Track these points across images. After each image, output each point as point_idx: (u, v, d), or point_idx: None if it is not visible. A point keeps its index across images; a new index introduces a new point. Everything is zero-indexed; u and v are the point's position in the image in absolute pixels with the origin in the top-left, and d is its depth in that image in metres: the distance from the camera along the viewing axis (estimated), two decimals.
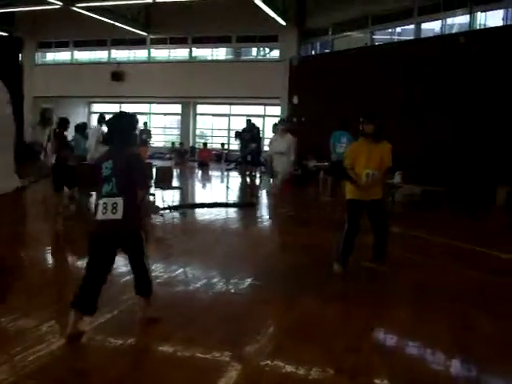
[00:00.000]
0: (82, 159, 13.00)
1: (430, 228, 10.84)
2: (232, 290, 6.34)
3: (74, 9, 20.90)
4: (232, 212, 13.04)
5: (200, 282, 6.61)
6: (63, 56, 29.93)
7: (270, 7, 19.62)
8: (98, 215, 4.64)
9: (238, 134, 21.95)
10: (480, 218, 12.43)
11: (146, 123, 25.09)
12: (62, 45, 29.12)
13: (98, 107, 31.38)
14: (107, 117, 6.32)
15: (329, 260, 7.35)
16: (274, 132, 20.03)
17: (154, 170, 12.30)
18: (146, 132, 24.13)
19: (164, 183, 12.11)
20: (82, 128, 13.85)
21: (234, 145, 25.19)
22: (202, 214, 12.21)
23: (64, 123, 11.08)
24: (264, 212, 13.37)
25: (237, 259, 8.01)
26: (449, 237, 9.87)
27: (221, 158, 27.20)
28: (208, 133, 29.90)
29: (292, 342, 4.78)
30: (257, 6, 19.19)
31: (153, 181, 12.05)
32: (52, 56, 30.56)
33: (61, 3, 20.06)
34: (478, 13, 16.99)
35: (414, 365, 4.48)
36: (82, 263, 5.97)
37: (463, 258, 8.53)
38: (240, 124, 22.92)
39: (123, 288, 5.83)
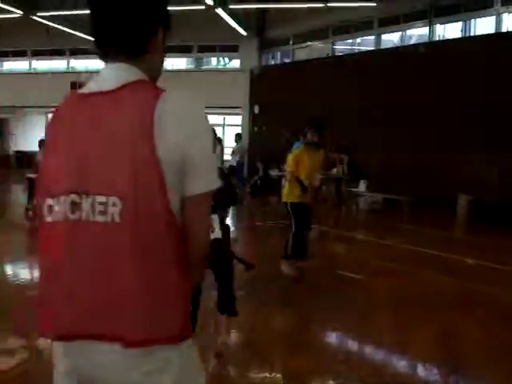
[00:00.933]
0: None
1: (397, 236, 11.06)
2: (213, 300, 6.38)
3: (34, 18, 20.64)
4: None
5: None
6: (21, 65, 29.46)
7: (231, 17, 19.70)
8: None
9: None
10: (442, 226, 12.68)
11: None
12: (19, 54, 28.68)
13: None
14: None
15: (304, 269, 7.49)
16: (236, 142, 20.24)
17: None
18: None
19: None
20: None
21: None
22: None
23: None
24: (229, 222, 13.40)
25: None
26: (416, 244, 10.10)
27: None
28: None
29: (275, 352, 4.85)
30: (218, 16, 19.26)
31: None
32: (9, 65, 30.05)
33: (21, 12, 19.78)
34: (438, 25, 17.39)
35: (405, 374, 4.60)
36: None
37: (433, 264, 8.73)
38: None
39: None
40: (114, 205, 1.51)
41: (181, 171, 1.55)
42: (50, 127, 1.71)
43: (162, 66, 1.84)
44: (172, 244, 1.57)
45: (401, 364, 4.74)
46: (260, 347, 4.96)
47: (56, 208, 1.58)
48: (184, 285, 1.63)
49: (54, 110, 1.73)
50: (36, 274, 7.57)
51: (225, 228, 4.71)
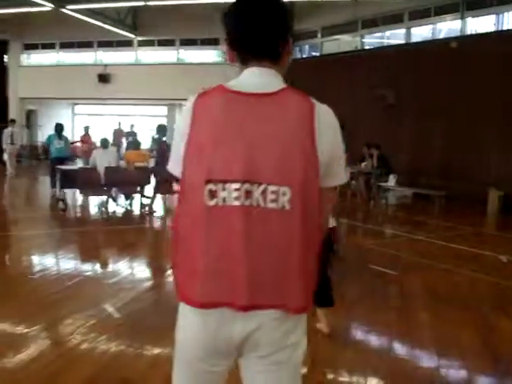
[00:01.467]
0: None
1: (428, 231, 11.01)
2: None
3: (63, 11, 20.80)
4: None
5: None
6: (49, 57, 29.71)
7: None
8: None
9: None
10: (473, 221, 12.60)
11: (132, 125, 25.02)
12: (47, 46, 28.92)
13: (81, 109, 31.27)
14: None
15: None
16: None
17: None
18: (133, 134, 24.09)
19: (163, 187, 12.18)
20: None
21: None
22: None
23: None
24: None
25: None
26: (447, 239, 10.05)
27: None
28: None
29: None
30: None
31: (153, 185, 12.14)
32: (38, 57, 30.32)
33: (52, 5, 19.94)
34: (469, 18, 17.21)
35: (447, 373, 4.60)
36: None
37: (467, 260, 8.68)
38: None
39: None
40: (284, 194, 1.77)
41: (326, 170, 1.86)
42: (198, 115, 1.87)
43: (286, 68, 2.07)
44: (318, 225, 1.91)
45: (443, 363, 4.72)
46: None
47: (222, 194, 1.78)
48: (318, 260, 1.94)
49: (195, 100, 1.90)
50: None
51: None
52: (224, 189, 1.77)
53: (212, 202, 1.78)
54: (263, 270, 1.80)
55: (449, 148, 16.09)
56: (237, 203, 1.77)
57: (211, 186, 1.78)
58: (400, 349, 5.02)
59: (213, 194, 1.78)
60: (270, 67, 1.94)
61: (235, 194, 1.77)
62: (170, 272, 7.12)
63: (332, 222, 4.80)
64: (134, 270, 7.72)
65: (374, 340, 5.25)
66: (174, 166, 1.95)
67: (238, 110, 1.84)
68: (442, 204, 14.05)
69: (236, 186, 1.76)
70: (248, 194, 1.77)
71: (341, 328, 5.37)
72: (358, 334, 5.36)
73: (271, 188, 1.77)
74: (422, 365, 4.66)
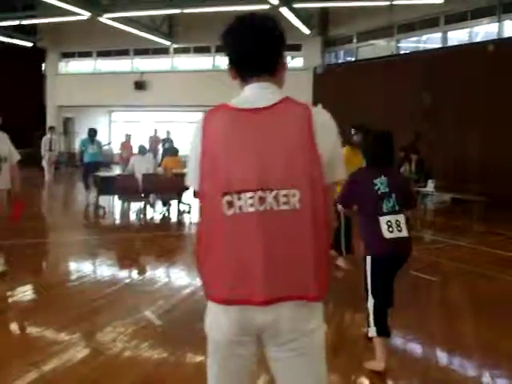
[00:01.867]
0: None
1: (469, 236, 10.85)
2: None
3: (99, 19, 21.03)
4: None
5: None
6: (86, 65, 30.09)
7: (294, 15, 19.67)
8: (385, 234, 4.45)
9: None
10: None
11: (168, 132, 25.18)
12: (84, 55, 29.29)
13: (118, 116, 31.55)
14: None
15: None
16: None
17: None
18: (169, 141, 24.23)
19: None
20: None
21: None
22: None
23: None
24: None
25: None
26: (489, 245, 9.89)
27: None
28: None
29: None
30: (280, 15, 19.24)
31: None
32: (75, 65, 30.73)
33: (89, 14, 20.18)
34: (507, 21, 16.96)
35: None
36: None
37: (509, 266, 8.53)
38: None
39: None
40: (293, 195, 2.01)
41: (328, 167, 2.09)
42: (208, 133, 2.13)
43: (284, 82, 2.34)
44: (325, 219, 2.10)
45: (488, 372, 4.63)
46: (349, 352, 4.92)
47: (238, 203, 2.02)
48: (329, 251, 2.18)
49: (203, 118, 2.18)
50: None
51: None
52: (239, 198, 2.02)
53: (230, 212, 2.03)
54: (280, 265, 2.02)
55: (488, 152, 15.87)
56: (252, 209, 2.01)
57: (228, 198, 2.03)
58: (444, 358, 4.96)
59: (230, 204, 2.03)
60: (268, 82, 2.22)
61: (250, 202, 2.01)
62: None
63: None
64: (173, 276, 7.75)
65: (418, 348, 5.18)
66: (192, 181, 2.19)
67: (245, 126, 2.10)
68: (481, 209, 13.86)
69: (250, 194, 2.01)
70: (262, 200, 2.01)
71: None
72: (402, 341, 5.28)
73: (282, 192, 2.01)
74: (467, 374, 4.59)
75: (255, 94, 2.19)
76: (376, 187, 4.51)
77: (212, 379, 2.24)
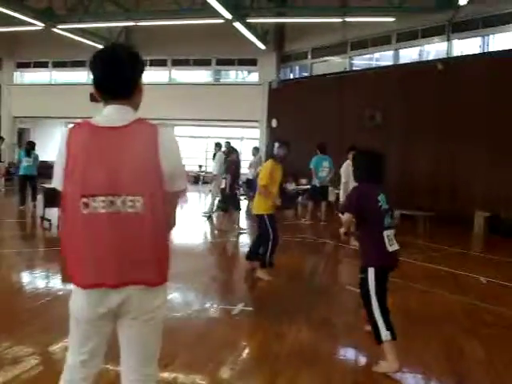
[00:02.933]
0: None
1: (412, 252, 10.99)
2: (225, 317, 6.40)
3: (55, 30, 20.89)
4: (216, 236, 13.21)
5: (192, 308, 6.67)
6: (42, 76, 29.81)
7: (249, 31, 19.82)
8: (388, 248, 4.84)
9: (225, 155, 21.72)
10: (458, 242, 12.58)
11: None
12: (40, 65, 29.03)
13: None
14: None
15: (313, 284, 7.50)
16: (253, 155, 20.29)
17: None
18: None
19: None
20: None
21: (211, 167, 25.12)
22: (185, 239, 12.28)
23: None
24: (246, 236, 13.43)
25: (225, 284, 8.09)
26: (429, 261, 10.05)
27: (198, 180, 27.24)
28: (186, 155, 29.72)
29: (289, 368, 4.85)
30: (237, 30, 19.39)
31: None
32: (30, 76, 30.43)
33: (43, 25, 20.03)
34: (456, 40, 17.34)
35: None
36: None
37: (445, 282, 8.67)
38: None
39: None
40: (138, 201, 2.47)
41: (170, 178, 2.54)
42: (71, 145, 2.53)
43: (140, 102, 2.76)
44: (165, 220, 2.62)
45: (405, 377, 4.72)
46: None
47: (93, 204, 2.46)
48: (168, 246, 2.70)
49: (69, 131, 2.60)
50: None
51: None
52: (94, 201, 2.46)
53: (86, 211, 2.48)
54: (126, 257, 2.51)
55: (436, 169, 16.18)
56: (103, 211, 2.46)
57: (85, 199, 2.47)
58: (366, 368, 5.03)
59: (86, 205, 2.47)
60: (124, 104, 2.61)
61: (102, 204, 2.46)
62: None
63: None
64: None
65: (342, 357, 5.24)
66: (57, 183, 2.60)
67: (101, 141, 2.50)
68: (428, 225, 14.09)
69: (102, 198, 2.46)
70: (112, 203, 2.46)
71: (309, 347, 5.37)
72: (325, 355, 5.33)
73: (129, 198, 2.46)
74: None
75: (113, 114, 2.59)
76: (380, 203, 4.87)
77: (73, 346, 2.75)
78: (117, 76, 2.60)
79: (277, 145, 8.25)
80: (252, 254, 8.53)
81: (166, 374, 4.56)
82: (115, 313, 2.63)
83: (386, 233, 4.84)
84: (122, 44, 2.80)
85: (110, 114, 2.60)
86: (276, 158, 8.22)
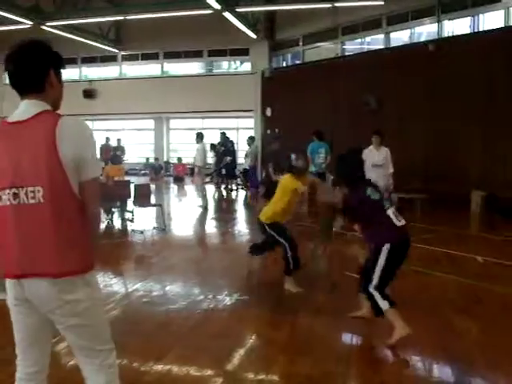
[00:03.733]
0: None
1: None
2: (220, 306, 6.39)
3: (44, 28, 20.76)
4: (212, 227, 13.20)
5: (187, 299, 6.65)
6: None
7: (239, 20, 19.74)
8: (396, 223, 5.10)
9: (213, 146, 21.76)
10: (455, 223, 12.56)
11: (119, 140, 25.06)
12: None
13: None
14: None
15: (310, 271, 7.48)
16: (249, 145, 20.29)
17: (132, 188, 12.34)
18: (120, 149, 24.14)
19: (142, 200, 12.15)
20: None
21: (208, 158, 25.04)
22: (181, 230, 12.26)
23: None
24: (243, 225, 13.42)
25: (221, 275, 8.06)
26: (427, 242, 10.02)
27: (194, 172, 27.16)
28: (182, 147, 29.67)
29: (285, 356, 4.85)
30: (227, 20, 19.31)
31: (131, 199, 12.13)
32: None
33: (30, 23, 19.92)
34: (446, 21, 17.29)
35: (405, 373, 4.58)
36: None
37: (441, 262, 8.67)
38: (213, 137, 22.87)
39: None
40: (38, 191, 2.50)
41: (77, 167, 2.53)
42: None
43: (60, 96, 2.80)
44: (76, 210, 2.59)
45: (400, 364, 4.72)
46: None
47: (2, 197, 2.56)
48: (83, 236, 2.66)
49: None
50: None
51: None
52: (4, 194, 2.55)
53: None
54: (30, 248, 2.56)
55: (431, 150, 16.14)
56: (8, 203, 2.55)
57: None
58: (363, 351, 5.02)
59: None
60: (37, 99, 2.63)
61: (7, 197, 2.55)
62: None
63: None
64: (103, 284, 7.65)
65: (337, 344, 5.23)
66: None
67: (7, 136, 2.60)
68: (424, 207, 14.07)
69: (8, 191, 2.54)
70: (15, 195, 2.53)
71: (305, 335, 5.36)
72: (321, 342, 5.32)
73: (30, 189, 2.51)
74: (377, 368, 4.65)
75: (21, 110, 2.63)
76: (372, 198, 5.16)
77: (14, 332, 2.83)
78: (21, 72, 2.65)
79: (294, 156, 7.33)
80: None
81: (159, 367, 4.56)
82: (31, 305, 2.68)
83: (389, 211, 5.13)
84: (34, 39, 2.71)
85: (19, 110, 2.64)
86: (295, 171, 7.16)
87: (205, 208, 15.33)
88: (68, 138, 2.52)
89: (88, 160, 2.59)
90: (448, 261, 8.83)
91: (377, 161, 11.15)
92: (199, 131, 16.24)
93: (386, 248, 5.00)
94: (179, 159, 27.29)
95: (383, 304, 4.96)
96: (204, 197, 15.63)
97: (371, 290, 5.05)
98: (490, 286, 7.22)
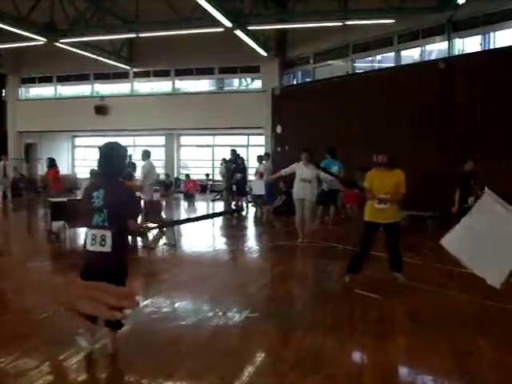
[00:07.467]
0: None
1: (420, 253, 10.93)
2: (230, 323, 6.37)
3: (57, 44, 20.96)
4: (222, 244, 13.20)
5: (197, 316, 6.64)
6: (47, 91, 29.94)
7: (250, 38, 19.84)
8: (88, 246, 4.70)
9: (224, 161, 21.76)
10: None
11: (130, 156, 25.12)
12: (45, 80, 29.13)
13: (81, 141, 31.43)
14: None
15: (320, 289, 7.45)
16: (258, 162, 20.28)
17: (143, 204, 12.36)
18: (131, 165, 24.16)
19: (153, 216, 12.15)
20: None
21: (219, 175, 25.04)
22: (191, 246, 12.27)
23: None
24: (253, 241, 13.41)
25: (231, 291, 8.05)
26: (439, 261, 9.96)
27: (206, 189, 27.22)
28: (192, 164, 29.76)
29: (295, 373, 4.82)
30: (238, 38, 19.42)
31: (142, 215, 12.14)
32: (35, 91, 30.55)
33: (45, 39, 20.10)
34: (456, 39, 17.33)
35: None
36: None
37: (457, 282, 8.61)
38: (224, 154, 22.91)
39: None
40: None
41: None
42: None
43: None
44: None
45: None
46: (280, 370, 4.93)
47: None
48: None
49: None
50: None
51: None
52: None
53: None
54: None
55: (444, 167, 16.05)
56: None
57: None
58: (373, 368, 4.98)
59: None
60: None
61: None
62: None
63: None
64: None
65: (347, 361, 5.20)
66: None
67: None
68: (435, 224, 14.01)
69: None
70: None
71: (315, 353, 5.33)
72: (331, 361, 5.30)
73: None
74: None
75: None
76: (93, 200, 4.71)
77: None
78: None
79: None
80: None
81: (170, 383, 4.54)
82: None
83: (90, 232, 4.77)
84: None
85: None
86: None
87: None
88: None
89: None
90: (460, 279, 8.77)
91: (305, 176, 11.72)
92: (146, 149, 15.63)
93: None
94: (187, 176, 27.34)
95: None
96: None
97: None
98: (503, 306, 7.17)
